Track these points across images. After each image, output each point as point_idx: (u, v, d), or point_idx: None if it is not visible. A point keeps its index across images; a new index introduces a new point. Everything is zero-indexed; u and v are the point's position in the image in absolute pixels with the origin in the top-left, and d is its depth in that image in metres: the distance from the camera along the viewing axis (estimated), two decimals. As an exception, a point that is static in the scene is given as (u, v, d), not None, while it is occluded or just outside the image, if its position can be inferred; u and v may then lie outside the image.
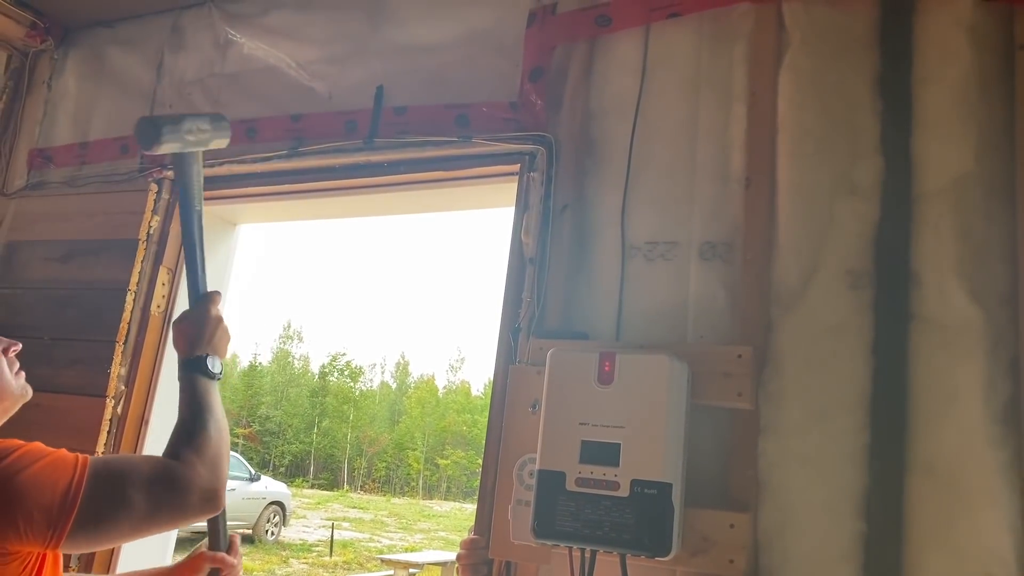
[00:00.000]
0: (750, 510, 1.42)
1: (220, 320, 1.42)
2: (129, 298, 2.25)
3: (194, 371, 1.33)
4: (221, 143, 1.51)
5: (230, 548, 1.49)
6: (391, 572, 9.44)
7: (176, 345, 1.39)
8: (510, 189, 1.89)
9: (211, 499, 1.21)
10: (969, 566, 1.29)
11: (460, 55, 2.04)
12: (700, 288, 1.59)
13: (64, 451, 1.15)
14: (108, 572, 2.10)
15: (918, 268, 1.44)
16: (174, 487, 1.17)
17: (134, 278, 2.27)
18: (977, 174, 1.44)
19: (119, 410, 2.18)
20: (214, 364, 1.35)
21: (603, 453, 1.36)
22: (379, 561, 11.02)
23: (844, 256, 1.50)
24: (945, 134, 1.48)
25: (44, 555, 1.15)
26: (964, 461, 1.33)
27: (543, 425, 1.43)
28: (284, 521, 12.82)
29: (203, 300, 1.41)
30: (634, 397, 1.37)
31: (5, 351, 1.31)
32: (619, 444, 1.36)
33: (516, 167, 1.88)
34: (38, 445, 1.15)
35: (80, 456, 1.14)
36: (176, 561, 1.55)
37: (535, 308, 1.72)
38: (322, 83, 2.21)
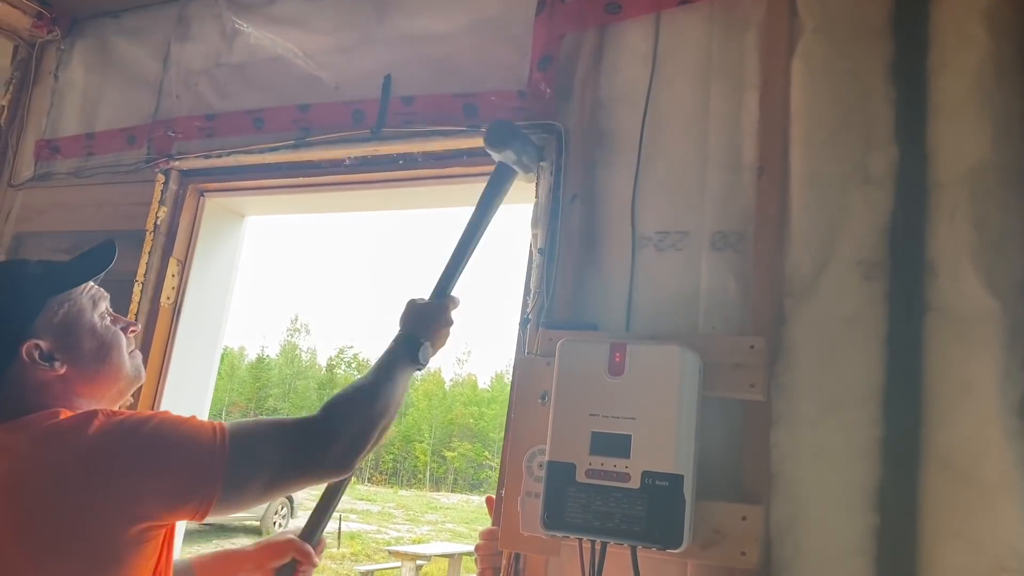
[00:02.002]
0: (762, 502, 1.40)
1: (451, 323, 1.52)
2: (136, 289, 2.24)
3: (402, 347, 1.39)
4: (527, 178, 1.75)
5: (317, 546, 1.46)
6: (399, 564, 9.48)
7: (402, 319, 1.47)
8: (526, 184, 1.86)
9: (343, 462, 1.19)
10: (985, 560, 1.28)
11: (468, 44, 2.02)
12: (711, 278, 1.58)
13: (196, 417, 1.12)
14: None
15: (933, 258, 1.42)
16: (314, 443, 1.15)
17: (141, 269, 2.26)
18: (994, 162, 1.42)
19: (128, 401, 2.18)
20: (424, 353, 1.41)
21: (614, 444, 1.34)
22: (387, 553, 11.07)
23: (858, 246, 1.48)
24: (961, 122, 1.45)
25: (168, 533, 1.10)
26: (980, 454, 1.31)
27: (553, 416, 1.42)
28: (292, 513, 12.86)
29: (447, 298, 1.53)
30: (645, 388, 1.36)
31: (125, 331, 1.26)
32: (630, 435, 1.34)
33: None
34: (170, 413, 1.12)
35: (216, 423, 1.11)
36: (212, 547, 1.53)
37: (544, 299, 1.71)
38: (329, 73, 2.20)
